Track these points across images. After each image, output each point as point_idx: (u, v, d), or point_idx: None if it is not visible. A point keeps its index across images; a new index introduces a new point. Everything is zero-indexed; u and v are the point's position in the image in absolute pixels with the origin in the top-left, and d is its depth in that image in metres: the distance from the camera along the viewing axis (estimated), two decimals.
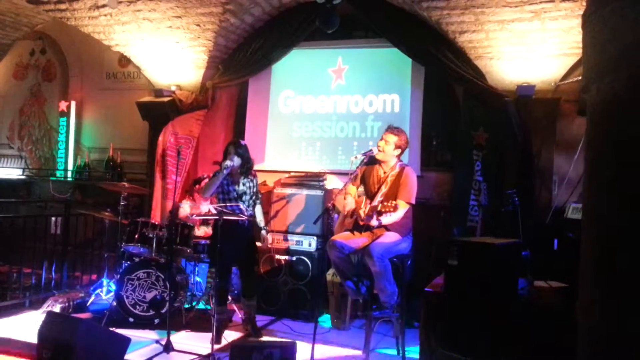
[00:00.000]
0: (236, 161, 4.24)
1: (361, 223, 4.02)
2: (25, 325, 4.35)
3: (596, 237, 1.50)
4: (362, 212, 3.92)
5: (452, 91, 5.31)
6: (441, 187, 5.35)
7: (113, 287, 4.74)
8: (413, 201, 3.96)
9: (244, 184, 4.35)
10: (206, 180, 4.63)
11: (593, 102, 1.55)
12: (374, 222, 3.81)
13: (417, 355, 3.56)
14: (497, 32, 4.65)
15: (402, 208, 3.82)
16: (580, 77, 4.56)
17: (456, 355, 2.79)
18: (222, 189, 4.31)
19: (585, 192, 1.63)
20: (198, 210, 5.18)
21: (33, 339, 3.57)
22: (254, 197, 4.41)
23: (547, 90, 4.73)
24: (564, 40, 4.51)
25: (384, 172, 4.09)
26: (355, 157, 4.10)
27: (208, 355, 3.71)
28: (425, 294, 3.18)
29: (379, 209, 3.69)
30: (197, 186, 5.20)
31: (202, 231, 5.15)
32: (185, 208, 5.28)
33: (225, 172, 4.16)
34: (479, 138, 4.85)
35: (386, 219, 3.79)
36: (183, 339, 4.19)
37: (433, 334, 3.02)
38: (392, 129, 4.10)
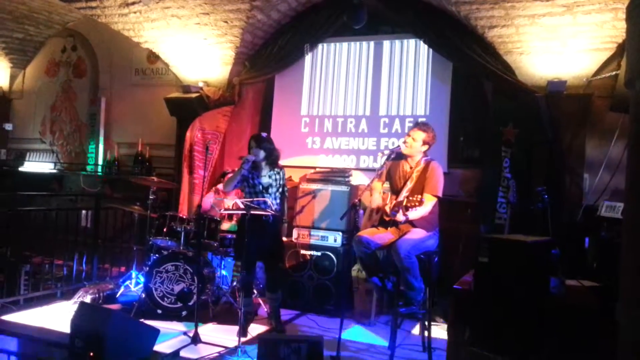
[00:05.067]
0: (260, 154, 4.26)
1: (387, 219, 4.01)
2: (58, 315, 4.46)
3: None
4: (387, 208, 3.90)
5: (480, 87, 5.25)
6: (468, 184, 5.29)
7: (142, 279, 4.83)
8: (440, 194, 3.92)
9: (269, 177, 4.36)
10: (230, 174, 4.67)
11: (637, 98, 1.51)
12: (400, 217, 3.80)
13: (443, 353, 3.54)
14: (527, 27, 4.58)
15: (429, 201, 3.80)
16: (613, 73, 4.50)
17: (486, 354, 2.76)
18: (248, 183, 4.33)
19: (629, 189, 1.59)
20: (225, 205, 5.23)
21: (65, 328, 3.67)
22: (280, 190, 4.41)
23: (579, 86, 4.63)
24: (596, 35, 4.42)
25: (410, 167, 4.07)
26: (383, 153, 4.10)
27: (235, 348, 3.76)
28: (454, 292, 3.14)
29: (404, 203, 3.68)
30: (222, 180, 5.25)
31: (229, 225, 5.19)
32: (209, 201, 5.33)
33: (245, 166, 4.17)
34: (508, 134, 4.78)
35: (413, 214, 3.77)
36: (210, 331, 4.24)
37: (462, 331, 2.99)
38: (419, 126, 4.07)
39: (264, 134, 4.45)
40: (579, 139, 4.62)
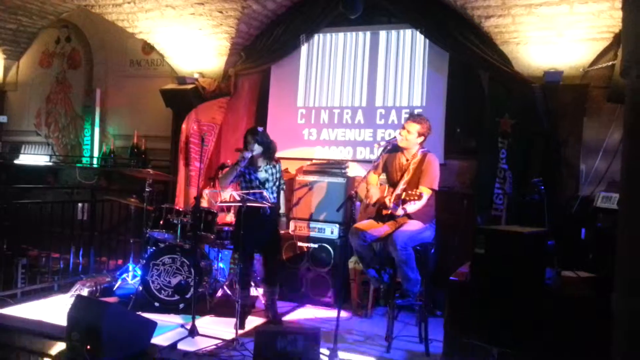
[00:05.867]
0: (256, 149, 4.24)
1: (385, 212, 4.00)
2: (55, 308, 4.47)
3: (637, 224, 1.47)
4: (387, 201, 3.89)
5: (476, 77, 5.22)
6: (465, 175, 5.29)
7: (139, 272, 4.83)
8: (436, 187, 3.93)
9: (266, 171, 4.36)
10: (228, 168, 4.66)
11: (633, 87, 1.50)
12: (399, 212, 3.80)
13: (440, 344, 3.56)
14: (524, 17, 4.55)
15: (426, 194, 3.80)
16: (610, 63, 4.49)
17: (482, 344, 2.78)
18: (244, 178, 4.33)
19: (624, 178, 1.59)
20: (221, 198, 5.22)
21: (62, 321, 3.67)
22: (277, 183, 4.42)
23: (575, 76, 4.62)
24: (593, 25, 4.40)
25: (407, 160, 4.06)
26: (379, 145, 4.09)
27: (232, 340, 3.76)
28: (450, 283, 3.16)
29: (403, 197, 3.67)
30: (220, 172, 5.23)
31: (230, 217, 5.18)
32: (207, 197, 5.32)
33: (242, 163, 4.17)
34: (505, 125, 4.77)
35: (411, 207, 3.77)
36: (207, 323, 4.25)
37: (458, 322, 3.01)
38: (414, 117, 4.06)
39: (260, 128, 4.42)
40: (575, 129, 4.61)
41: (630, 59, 1.50)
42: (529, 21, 4.55)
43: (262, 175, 4.34)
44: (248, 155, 4.19)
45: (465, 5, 4.70)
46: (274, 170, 4.39)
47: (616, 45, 4.41)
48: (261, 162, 4.35)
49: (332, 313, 4.48)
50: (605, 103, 4.60)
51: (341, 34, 5.86)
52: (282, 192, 4.56)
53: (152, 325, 3.67)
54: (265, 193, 4.19)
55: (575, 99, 4.59)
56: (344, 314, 4.54)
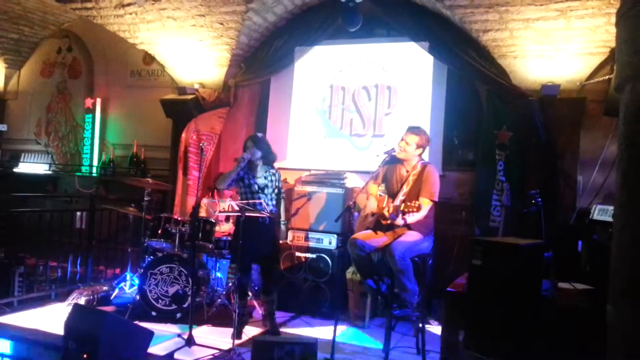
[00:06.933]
0: (256, 153, 4.27)
1: (384, 222, 4.01)
2: (52, 317, 4.45)
3: (631, 237, 1.49)
4: (386, 212, 3.91)
5: (475, 90, 5.27)
6: (463, 187, 5.32)
7: (136, 281, 4.82)
8: (436, 199, 3.95)
9: (265, 177, 4.37)
10: None
11: (627, 101, 1.54)
12: (399, 221, 3.81)
13: (437, 355, 3.55)
14: (521, 31, 4.61)
15: (426, 206, 3.82)
16: (607, 77, 4.53)
17: (479, 356, 2.78)
18: (243, 183, 4.34)
19: (619, 192, 1.61)
20: (220, 207, 5.23)
21: (59, 330, 3.66)
22: (276, 191, 4.42)
23: (572, 90, 4.67)
24: (590, 39, 4.46)
25: (406, 171, 4.08)
26: (378, 155, 4.12)
27: (229, 350, 3.76)
28: (447, 294, 3.16)
29: (402, 208, 3.68)
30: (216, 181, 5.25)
31: (227, 227, 5.19)
32: (205, 206, 5.33)
33: (242, 164, 4.19)
34: (502, 137, 4.80)
35: (410, 218, 3.78)
36: (204, 333, 4.24)
37: (455, 333, 3.01)
38: (412, 129, 4.09)
39: (260, 134, 4.47)
40: (572, 142, 4.65)
41: (623, 74, 1.53)
42: (526, 35, 4.61)
43: (261, 181, 4.35)
44: (247, 156, 4.21)
45: (464, 19, 4.76)
46: (273, 178, 4.41)
47: (612, 59, 4.45)
48: (260, 169, 4.38)
49: (329, 323, 4.46)
50: (601, 116, 4.64)
51: (340, 46, 5.90)
52: (282, 201, 4.57)
53: (149, 334, 3.66)
54: (263, 202, 4.21)
55: (572, 112, 4.63)
56: (341, 324, 4.53)
